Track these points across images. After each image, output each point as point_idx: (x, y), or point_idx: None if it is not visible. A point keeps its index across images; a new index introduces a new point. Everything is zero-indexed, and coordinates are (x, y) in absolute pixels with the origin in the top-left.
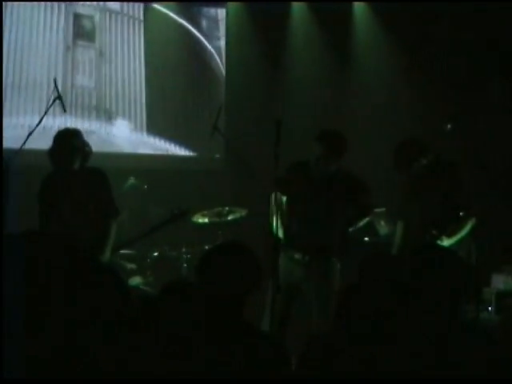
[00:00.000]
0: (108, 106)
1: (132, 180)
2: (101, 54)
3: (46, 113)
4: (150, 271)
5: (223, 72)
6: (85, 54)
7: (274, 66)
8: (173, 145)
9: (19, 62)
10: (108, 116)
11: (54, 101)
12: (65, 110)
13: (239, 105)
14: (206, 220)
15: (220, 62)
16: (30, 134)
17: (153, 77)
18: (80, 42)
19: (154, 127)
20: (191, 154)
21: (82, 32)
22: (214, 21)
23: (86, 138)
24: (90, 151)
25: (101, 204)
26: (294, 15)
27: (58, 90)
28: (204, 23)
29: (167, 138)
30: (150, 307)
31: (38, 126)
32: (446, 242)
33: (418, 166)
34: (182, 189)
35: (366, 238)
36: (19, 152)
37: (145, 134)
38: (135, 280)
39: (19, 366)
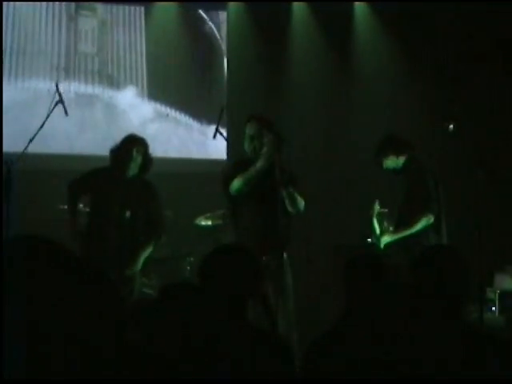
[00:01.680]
0: (110, 72)
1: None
2: (103, 23)
3: (47, 118)
4: (154, 274)
5: (225, 71)
6: (87, 24)
7: (275, 67)
8: (173, 109)
9: (24, 31)
10: (110, 81)
11: (56, 105)
12: (66, 114)
13: (241, 106)
14: (210, 223)
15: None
16: (31, 139)
17: (153, 48)
18: (82, 12)
19: (155, 93)
20: (191, 120)
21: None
22: (216, 23)
23: (90, 102)
24: (151, 162)
25: (149, 218)
26: (294, 15)
27: (60, 94)
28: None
29: (168, 104)
30: (149, 309)
31: (39, 130)
32: (385, 238)
33: (387, 164)
34: (184, 191)
35: (369, 240)
36: (21, 156)
37: (146, 98)
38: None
39: (19, 366)
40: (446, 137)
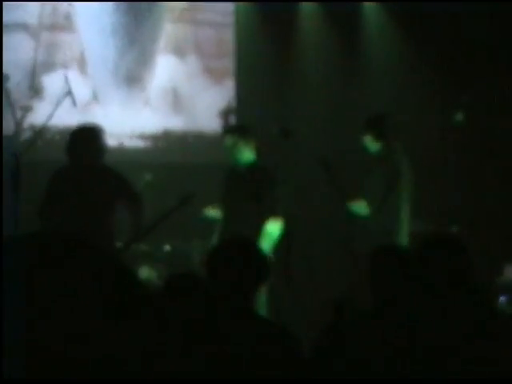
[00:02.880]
0: None
1: (148, 177)
2: None
3: (56, 108)
4: (163, 265)
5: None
6: None
7: (284, 64)
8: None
9: None
10: None
11: (65, 96)
12: (75, 105)
13: (249, 104)
14: (218, 214)
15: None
16: (40, 130)
17: None
18: None
19: None
20: None
21: None
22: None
23: None
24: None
25: (123, 200)
26: (303, 12)
27: (69, 85)
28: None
29: None
30: (155, 300)
31: (48, 120)
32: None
33: (366, 142)
34: (192, 182)
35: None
36: (30, 148)
37: None
38: (145, 272)
39: (19, 366)
40: (454, 127)
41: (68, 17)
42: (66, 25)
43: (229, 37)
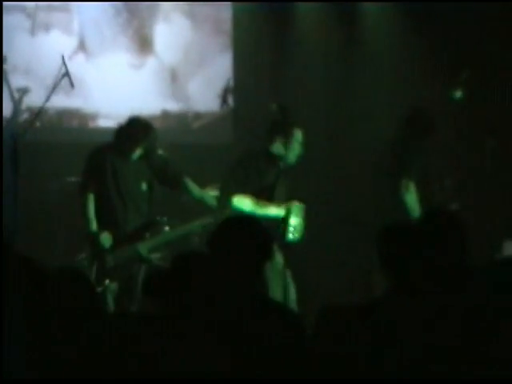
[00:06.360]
0: None
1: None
2: None
3: (53, 89)
4: (164, 246)
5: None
6: None
7: (282, 52)
8: None
9: None
10: None
11: (63, 77)
12: (72, 86)
13: (248, 88)
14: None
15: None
16: (38, 112)
17: None
18: None
19: None
20: None
21: None
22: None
23: None
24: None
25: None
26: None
27: (66, 67)
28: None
29: None
30: (161, 279)
31: (46, 102)
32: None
33: None
34: (193, 161)
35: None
36: (29, 129)
37: None
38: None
39: (19, 366)
40: (454, 104)
41: None
42: (62, 5)
43: (227, 15)
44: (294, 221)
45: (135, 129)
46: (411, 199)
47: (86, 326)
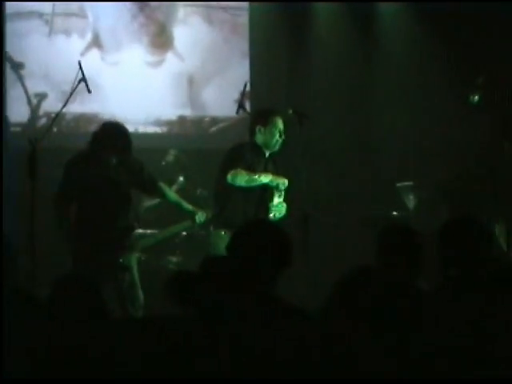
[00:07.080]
0: None
1: (173, 153)
2: None
3: (71, 95)
4: (179, 250)
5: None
6: None
7: (298, 57)
8: None
9: None
10: None
11: (79, 83)
12: (89, 91)
13: (264, 92)
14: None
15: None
16: (55, 117)
17: None
18: None
19: None
20: None
21: None
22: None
23: None
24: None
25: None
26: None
27: (82, 72)
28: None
29: None
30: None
31: (62, 108)
32: None
33: None
34: (210, 167)
35: (395, 213)
36: (46, 134)
37: None
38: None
39: (19, 366)
40: (471, 108)
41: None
42: (78, 11)
43: (244, 19)
44: (277, 200)
45: (109, 133)
46: None
47: (88, 326)
